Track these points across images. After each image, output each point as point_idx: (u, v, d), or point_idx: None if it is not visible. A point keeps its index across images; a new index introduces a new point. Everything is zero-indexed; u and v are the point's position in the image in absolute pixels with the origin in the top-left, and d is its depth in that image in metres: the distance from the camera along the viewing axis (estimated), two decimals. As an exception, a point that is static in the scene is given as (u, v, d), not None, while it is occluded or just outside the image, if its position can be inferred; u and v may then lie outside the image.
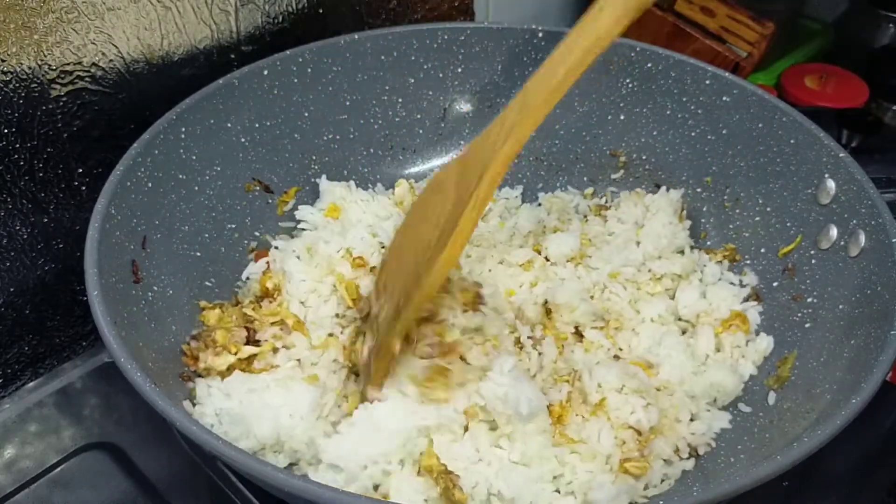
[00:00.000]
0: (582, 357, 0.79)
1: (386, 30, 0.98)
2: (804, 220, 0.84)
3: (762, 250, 0.89)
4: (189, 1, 0.87)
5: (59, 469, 0.79)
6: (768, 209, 0.89)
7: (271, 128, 0.93)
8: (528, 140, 0.68)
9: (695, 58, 0.94)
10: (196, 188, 0.85)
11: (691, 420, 0.76)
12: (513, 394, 0.69)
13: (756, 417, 0.76)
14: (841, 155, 0.80)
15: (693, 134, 0.95)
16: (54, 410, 0.85)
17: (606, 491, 0.67)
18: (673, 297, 0.87)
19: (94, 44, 0.80)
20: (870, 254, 0.74)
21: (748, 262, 0.90)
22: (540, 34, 0.97)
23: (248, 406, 0.71)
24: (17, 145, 0.77)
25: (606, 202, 1.00)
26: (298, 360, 0.78)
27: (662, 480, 0.72)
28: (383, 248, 0.86)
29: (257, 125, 0.92)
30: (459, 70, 1.00)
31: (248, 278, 0.88)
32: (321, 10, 1.01)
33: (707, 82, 0.92)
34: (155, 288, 0.76)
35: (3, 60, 0.73)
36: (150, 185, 0.79)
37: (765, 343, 0.81)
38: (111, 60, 0.82)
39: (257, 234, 0.92)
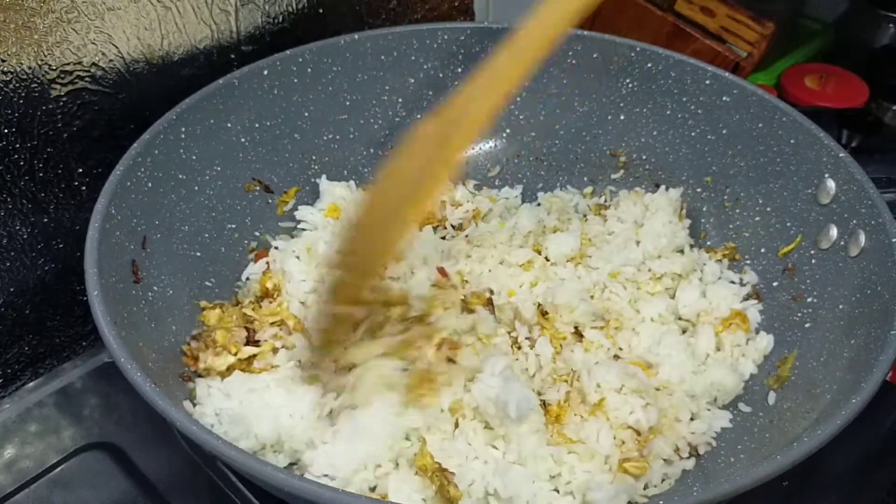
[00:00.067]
0: (581, 357, 0.79)
1: (386, 30, 0.98)
2: (804, 220, 0.84)
3: (762, 250, 0.89)
4: (189, 1, 0.87)
5: (59, 469, 0.79)
6: (768, 209, 0.89)
7: (271, 128, 0.93)
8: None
9: (695, 58, 0.94)
10: (196, 188, 0.85)
11: (691, 419, 0.76)
12: (503, 396, 0.70)
13: (756, 417, 0.76)
14: (841, 155, 0.80)
15: (693, 134, 0.95)
16: (54, 410, 0.85)
17: (605, 491, 0.67)
18: (673, 297, 0.87)
19: (94, 44, 0.80)
20: (870, 254, 0.74)
21: (748, 262, 0.90)
22: (540, 34, 0.97)
23: (248, 406, 0.72)
24: (17, 145, 0.77)
25: (606, 201, 1.00)
26: (299, 360, 0.78)
27: (663, 480, 0.72)
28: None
29: (257, 125, 0.92)
30: (459, 70, 1.00)
31: (248, 278, 0.88)
32: (321, 10, 1.01)
33: (707, 82, 0.92)
34: (155, 288, 0.76)
35: (3, 60, 0.73)
36: (150, 185, 0.79)
37: (765, 342, 0.81)
38: (111, 60, 0.82)
39: (257, 234, 0.92)
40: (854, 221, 0.77)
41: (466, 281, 0.86)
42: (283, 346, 0.79)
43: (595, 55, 0.98)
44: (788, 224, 0.86)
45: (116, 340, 0.61)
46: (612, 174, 1.02)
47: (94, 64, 0.81)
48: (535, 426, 0.72)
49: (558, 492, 0.69)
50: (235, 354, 0.77)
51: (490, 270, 0.88)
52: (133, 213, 0.76)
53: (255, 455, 0.68)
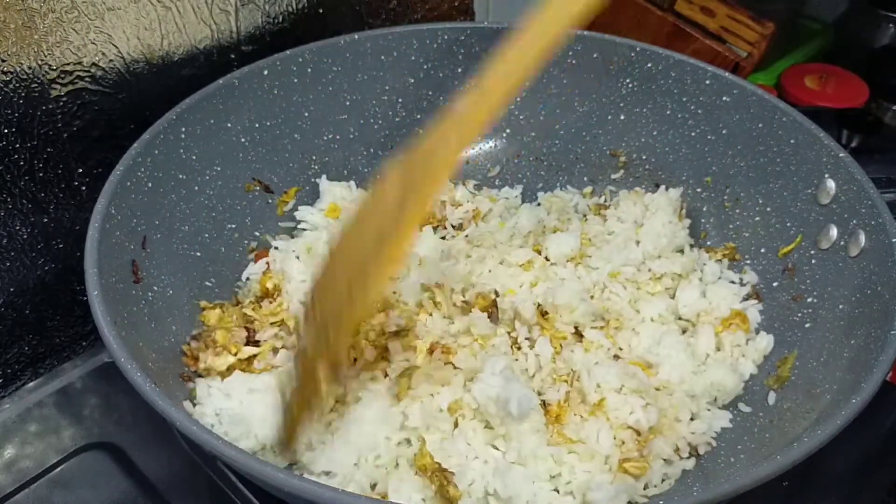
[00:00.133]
0: (581, 357, 0.79)
1: (386, 30, 0.98)
2: (804, 220, 0.84)
3: (762, 250, 0.89)
4: (189, 1, 0.87)
5: (59, 469, 0.79)
6: (768, 209, 0.89)
7: (271, 128, 0.93)
8: (483, 129, 0.61)
9: (695, 58, 0.94)
10: (196, 188, 0.85)
11: (691, 419, 0.76)
12: (504, 394, 0.70)
13: (756, 417, 0.76)
14: (841, 155, 0.80)
15: (693, 134, 0.95)
16: (54, 410, 0.85)
17: (605, 491, 0.67)
18: (673, 297, 0.87)
19: (94, 44, 0.80)
20: (870, 254, 0.74)
21: (748, 262, 0.90)
22: (540, 34, 0.97)
23: (248, 406, 0.72)
24: (17, 145, 0.77)
25: (606, 201, 1.00)
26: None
27: (663, 480, 0.72)
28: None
29: (257, 125, 0.92)
30: (459, 70, 1.00)
31: (248, 278, 0.88)
32: (321, 10, 1.01)
33: (707, 82, 0.92)
34: (155, 288, 0.76)
35: (3, 60, 0.73)
36: (150, 185, 0.79)
37: (765, 342, 0.81)
38: (111, 60, 0.82)
39: (257, 234, 0.92)
40: (854, 221, 0.77)
41: (472, 284, 0.86)
42: (283, 346, 0.79)
43: (595, 55, 0.98)
44: (788, 224, 0.86)
45: (116, 340, 0.61)
46: (612, 174, 1.02)
47: (94, 64, 0.81)
48: (535, 426, 0.72)
49: (558, 492, 0.69)
50: (235, 354, 0.77)
51: (490, 270, 0.88)
52: (133, 213, 0.76)
53: (255, 455, 0.68)
